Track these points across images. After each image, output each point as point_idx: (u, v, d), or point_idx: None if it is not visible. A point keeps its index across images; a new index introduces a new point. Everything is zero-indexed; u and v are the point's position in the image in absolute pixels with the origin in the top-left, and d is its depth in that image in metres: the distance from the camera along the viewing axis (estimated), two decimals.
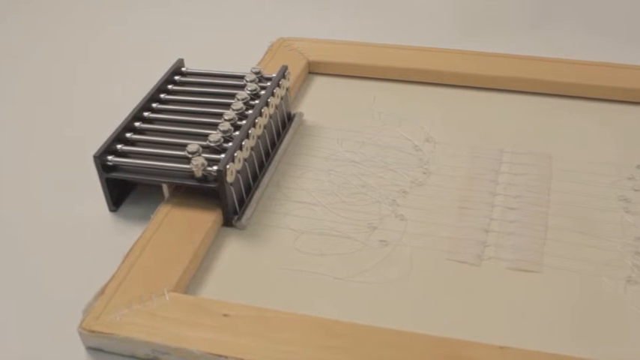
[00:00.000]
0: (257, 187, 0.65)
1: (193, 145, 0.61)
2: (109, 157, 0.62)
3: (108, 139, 0.63)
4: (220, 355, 0.49)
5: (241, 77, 0.72)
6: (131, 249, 0.58)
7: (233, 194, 0.61)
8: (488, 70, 0.80)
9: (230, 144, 0.62)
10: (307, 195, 0.65)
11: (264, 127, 0.67)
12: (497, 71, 0.79)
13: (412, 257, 0.58)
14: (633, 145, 0.71)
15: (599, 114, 0.76)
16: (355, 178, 0.67)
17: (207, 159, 0.60)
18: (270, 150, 0.69)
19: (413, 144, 0.71)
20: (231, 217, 0.61)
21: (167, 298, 0.53)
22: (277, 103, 0.70)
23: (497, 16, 0.96)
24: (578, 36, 0.92)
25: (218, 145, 0.62)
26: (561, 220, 0.62)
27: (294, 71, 0.79)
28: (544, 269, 0.57)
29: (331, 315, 0.52)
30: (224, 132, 0.63)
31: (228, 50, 0.91)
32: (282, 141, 0.70)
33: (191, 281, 0.57)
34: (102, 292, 0.54)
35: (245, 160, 0.63)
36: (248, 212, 0.62)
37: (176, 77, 0.74)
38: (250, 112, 0.66)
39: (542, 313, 0.54)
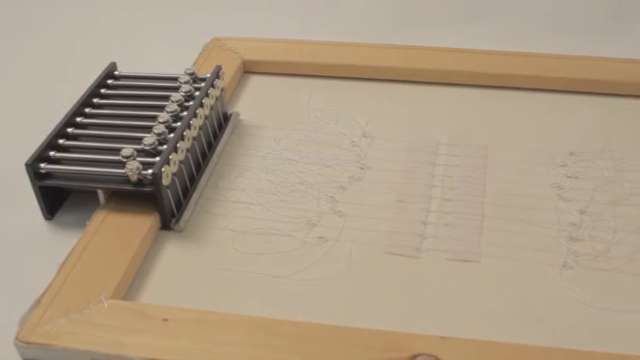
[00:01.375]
0: (194, 188, 0.64)
1: (127, 149, 0.60)
2: (42, 165, 0.61)
3: (40, 146, 0.62)
4: None
5: (175, 79, 0.71)
6: (67, 257, 0.57)
7: (170, 197, 0.60)
8: (422, 63, 0.80)
9: (165, 147, 0.61)
10: (245, 195, 0.64)
11: (200, 129, 0.66)
12: (431, 65, 0.80)
13: (351, 253, 0.58)
14: (565, 132, 0.72)
15: (532, 103, 0.77)
16: (293, 176, 0.66)
17: (142, 163, 0.60)
18: (206, 151, 0.68)
19: (350, 140, 0.71)
20: (169, 221, 0.61)
21: (105, 306, 0.52)
22: (212, 103, 0.69)
23: (429, 9, 0.97)
24: (509, 28, 0.93)
25: (153, 149, 0.62)
26: (497, 209, 0.62)
27: (229, 71, 0.79)
28: (482, 258, 0.58)
29: (272, 314, 0.52)
30: (158, 135, 0.63)
31: (162, 52, 0.90)
32: (218, 141, 0.70)
33: (130, 287, 0.56)
34: (38, 302, 0.53)
35: (181, 162, 0.62)
36: (186, 215, 0.62)
37: (109, 81, 0.73)
38: (185, 113, 0.66)
39: (481, 301, 0.54)
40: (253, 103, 0.78)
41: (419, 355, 0.47)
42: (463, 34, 0.91)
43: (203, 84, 0.70)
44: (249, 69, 0.83)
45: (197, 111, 0.66)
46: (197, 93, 0.69)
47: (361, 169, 0.67)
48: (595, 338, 0.51)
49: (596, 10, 0.95)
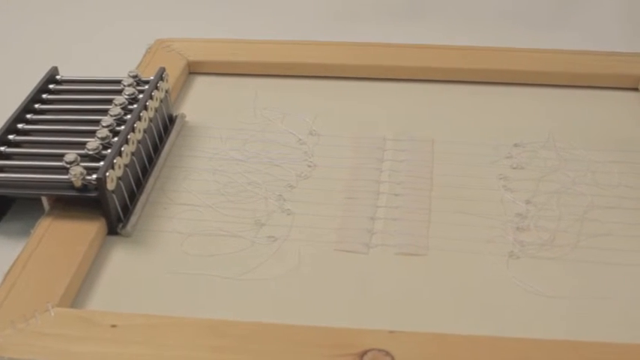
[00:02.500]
0: (141, 192, 0.63)
1: (71, 155, 0.60)
2: None
3: None
4: None
5: (118, 82, 0.70)
6: (12, 266, 0.55)
7: (116, 202, 0.60)
8: (366, 60, 0.80)
9: (109, 151, 0.60)
10: (193, 197, 0.64)
11: (145, 131, 0.66)
12: (376, 61, 0.80)
13: (300, 251, 0.58)
14: (510, 124, 0.73)
15: (476, 96, 0.78)
16: (240, 176, 0.66)
17: (86, 168, 0.59)
18: (152, 154, 0.67)
19: (297, 138, 0.71)
20: (116, 225, 0.60)
21: (52, 314, 0.51)
22: (157, 106, 0.69)
23: (372, 6, 0.97)
24: (452, 22, 0.94)
25: (97, 153, 0.61)
26: (444, 202, 0.63)
27: (174, 72, 0.78)
28: (430, 252, 0.58)
29: (222, 315, 0.52)
30: (102, 139, 0.62)
31: (105, 55, 0.89)
32: (164, 144, 0.69)
33: (77, 294, 0.55)
34: None
35: (126, 166, 0.61)
36: (133, 219, 0.61)
37: (50, 86, 0.72)
38: (129, 117, 0.65)
39: (430, 294, 0.55)
40: (199, 104, 0.77)
41: (369, 350, 0.48)
42: (406, 29, 0.92)
43: (147, 86, 0.69)
44: (194, 70, 0.83)
45: (141, 114, 0.65)
46: (141, 96, 0.68)
47: (309, 167, 0.67)
48: (542, 326, 0.52)
49: (538, 2, 0.97)
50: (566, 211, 0.62)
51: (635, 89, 0.79)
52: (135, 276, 0.57)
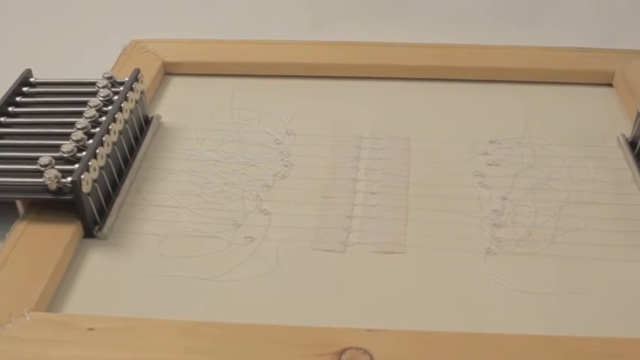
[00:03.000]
0: (117, 194, 0.63)
1: (45, 158, 0.59)
2: None
3: None
4: None
5: (93, 84, 0.70)
6: None
7: (91, 204, 0.59)
8: (343, 59, 0.81)
9: (84, 153, 0.60)
10: (169, 198, 0.64)
11: (120, 133, 0.65)
12: (352, 60, 0.80)
13: (278, 251, 0.58)
14: (485, 121, 0.73)
15: (452, 94, 0.78)
16: (217, 176, 0.66)
17: (61, 170, 0.58)
18: (128, 156, 0.67)
19: (274, 138, 0.71)
20: (92, 228, 0.60)
21: (28, 319, 0.51)
22: (132, 107, 0.68)
23: (348, 4, 0.97)
24: (427, 20, 0.94)
25: (72, 156, 0.60)
26: (421, 200, 0.63)
27: (150, 73, 0.78)
28: (407, 249, 0.58)
29: (201, 317, 0.52)
30: (77, 141, 0.62)
31: (80, 57, 0.88)
32: (140, 145, 0.69)
33: (53, 298, 0.54)
34: None
35: (101, 168, 0.61)
36: (109, 221, 0.61)
37: (24, 89, 0.71)
38: (104, 119, 0.65)
39: (408, 292, 0.55)
40: (175, 105, 0.77)
41: (347, 349, 0.48)
42: (382, 27, 0.92)
43: (122, 88, 0.69)
44: (169, 70, 0.82)
45: (116, 115, 0.65)
46: (116, 97, 0.67)
47: (285, 166, 0.67)
48: (520, 322, 0.52)
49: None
50: (542, 207, 0.62)
51: (610, 85, 0.80)
52: (112, 279, 0.57)
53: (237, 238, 0.59)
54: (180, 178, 0.66)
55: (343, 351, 0.48)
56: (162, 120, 0.74)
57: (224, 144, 0.70)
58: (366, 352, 0.47)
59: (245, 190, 0.64)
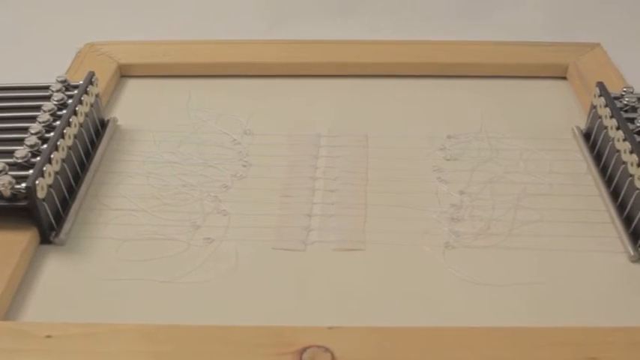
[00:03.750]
0: (74, 199, 0.62)
1: None
2: None
3: None
4: None
5: (46, 88, 0.69)
6: None
7: (47, 210, 0.58)
8: (299, 57, 0.81)
9: (38, 158, 0.59)
10: (127, 201, 0.63)
11: (75, 137, 0.65)
12: (308, 58, 0.80)
13: (238, 251, 0.58)
14: (442, 116, 0.74)
15: (408, 90, 0.78)
16: (175, 178, 0.66)
17: (15, 176, 0.58)
18: (84, 160, 0.66)
19: (231, 138, 0.71)
20: (48, 234, 0.59)
21: None
22: (87, 110, 0.67)
23: (303, 3, 0.97)
24: (381, 17, 0.95)
25: (26, 161, 0.59)
26: (380, 196, 0.63)
27: (105, 76, 0.77)
28: (367, 246, 0.58)
29: (161, 320, 0.51)
30: (31, 147, 0.61)
31: (33, 61, 0.87)
32: (96, 149, 0.68)
33: (10, 306, 0.54)
34: None
35: (57, 173, 0.60)
36: (66, 227, 0.60)
37: None
38: (58, 123, 0.64)
39: (368, 288, 0.55)
40: (131, 108, 0.76)
41: (309, 347, 0.48)
42: (337, 25, 0.92)
43: (76, 91, 0.68)
44: (125, 73, 0.82)
45: (71, 119, 0.64)
46: (70, 101, 0.67)
47: (244, 166, 0.67)
48: (479, 314, 0.53)
49: None
50: (499, 200, 0.63)
51: (564, 78, 0.81)
52: (70, 285, 0.56)
53: (196, 240, 0.59)
54: (138, 181, 0.66)
55: (304, 349, 0.48)
56: (119, 123, 0.73)
57: (181, 145, 0.70)
58: (327, 349, 0.47)
59: (203, 192, 0.64)
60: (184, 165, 0.67)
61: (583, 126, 0.71)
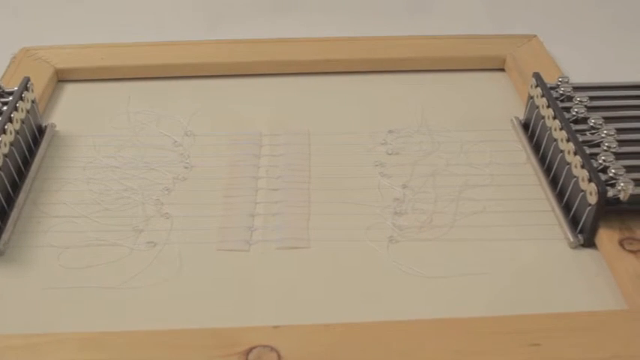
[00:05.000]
0: (12, 208, 0.61)
1: None
2: None
3: None
4: None
5: None
6: None
7: None
8: (238, 57, 0.80)
9: None
10: (67, 208, 0.62)
11: (12, 145, 0.63)
12: (248, 57, 0.80)
13: (181, 254, 0.58)
14: (383, 111, 0.74)
15: (349, 86, 0.79)
16: (116, 183, 0.65)
17: None
18: (22, 167, 0.65)
19: (172, 140, 0.70)
20: None
21: None
22: (23, 117, 0.66)
23: (241, 3, 0.97)
24: (319, 15, 0.95)
25: None
26: (323, 193, 0.64)
27: (41, 81, 0.76)
28: (311, 244, 0.59)
29: (106, 327, 0.51)
30: None
31: None
32: (34, 156, 0.67)
33: None
34: None
35: None
36: (5, 236, 0.59)
37: None
38: None
39: (314, 286, 0.55)
40: (70, 113, 0.75)
41: (254, 347, 0.48)
42: (276, 24, 0.92)
43: (11, 98, 0.67)
44: (63, 77, 0.80)
45: (6, 127, 0.63)
46: (5, 108, 0.65)
47: (185, 168, 0.67)
48: (425, 307, 0.53)
49: None
50: (441, 193, 0.63)
51: (502, 69, 0.82)
52: (10, 295, 0.55)
53: (139, 245, 0.58)
54: (78, 187, 0.65)
55: (250, 350, 0.47)
56: (57, 128, 0.72)
57: (122, 149, 0.69)
58: (273, 349, 0.47)
59: (145, 195, 0.63)
60: (125, 169, 0.66)
61: (522, 116, 0.72)
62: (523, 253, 0.58)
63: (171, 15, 0.95)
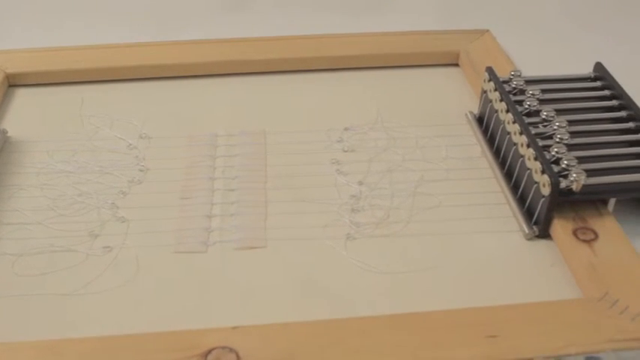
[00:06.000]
0: None
1: None
2: None
3: None
4: None
5: None
6: None
7: None
8: (192, 57, 0.80)
9: None
10: (21, 215, 0.61)
11: None
12: (201, 57, 0.80)
13: (138, 258, 0.57)
14: (339, 109, 0.74)
15: (304, 85, 0.79)
16: (71, 188, 0.64)
17: None
18: None
19: (127, 143, 0.70)
20: None
21: None
22: None
23: (193, 2, 0.96)
24: (272, 12, 0.94)
25: None
26: (280, 192, 0.63)
27: None
28: (269, 243, 0.58)
29: (63, 334, 0.50)
30: None
31: None
32: None
33: None
34: None
35: None
36: None
37: None
38: None
39: (272, 285, 0.55)
40: (22, 118, 0.74)
41: (213, 349, 0.47)
42: (229, 23, 0.91)
43: None
44: (14, 82, 0.79)
45: None
46: None
47: (141, 171, 0.66)
48: (383, 303, 0.53)
49: None
50: (398, 188, 0.64)
51: (456, 65, 0.82)
52: None
53: (95, 250, 0.58)
54: (32, 193, 0.64)
55: (209, 351, 0.47)
56: (9, 134, 0.71)
57: (76, 154, 0.68)
58: (231, 350, 0.47)
59: (100, 200, 0.63)
60: (80, 174, 0.66)
61: (476, 111, 0.73)
62: (479, 246, 0.58)
63: (123, 17, 0.94)
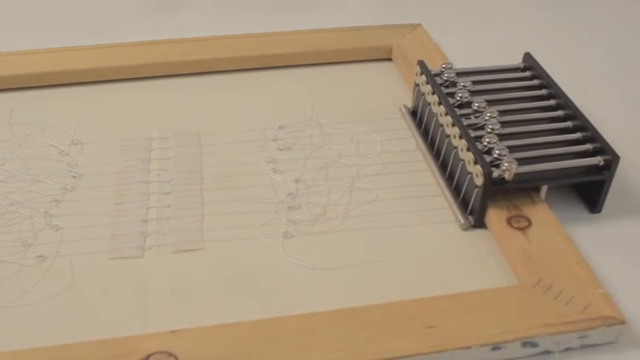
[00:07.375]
0: None
1: None
2: None
3: None
4: None
5: None
6: None
7: None
8: (123, 60, 0.78)
9: None
10: None
11: None
12: (132, 60, 0.78)
13: (73, 266, 0.56)
14: (273, 108, 0.74)
15: (238, 85, 0.78)
16: (1, 197, 0.63)
17: None
18: None
19: (59, 150, 0.68)
20: None
21: None
22: None
23: (124, 3, 0.95)
24: (205, 12, 0.94)
25: None
26: (216, 193, 0.63)
27: None
28: (206, 245, 0.58)
29: None
30: None
31: None
32: None
33: None
34: None
35: None
36: None
37: None
38: None
39: (211, 287, 0.55)
40: None
41: (152, 354, 0.47)
42: (160, 24, 0.90)
43: None
44: None
45: None
46: None
47: (74, 177, 0.65)
48: (322, 299, 0.53)
49: None
50: (334, 185, 0.64)
51: (389, 59, 0.83)
52: None
53: (28, 259, 0.57)
54: None
55: (148, 357, 0.47)
56: None
57: (6, 162, 0.67)
58: (170, 354, 0.47)
59: (32, 208, 0.61)
60: (10, 182, 0.64)
61: (410, 104, 0.73)
62: (417, 238, 0.59)
63: (50, 21, 0.92)
